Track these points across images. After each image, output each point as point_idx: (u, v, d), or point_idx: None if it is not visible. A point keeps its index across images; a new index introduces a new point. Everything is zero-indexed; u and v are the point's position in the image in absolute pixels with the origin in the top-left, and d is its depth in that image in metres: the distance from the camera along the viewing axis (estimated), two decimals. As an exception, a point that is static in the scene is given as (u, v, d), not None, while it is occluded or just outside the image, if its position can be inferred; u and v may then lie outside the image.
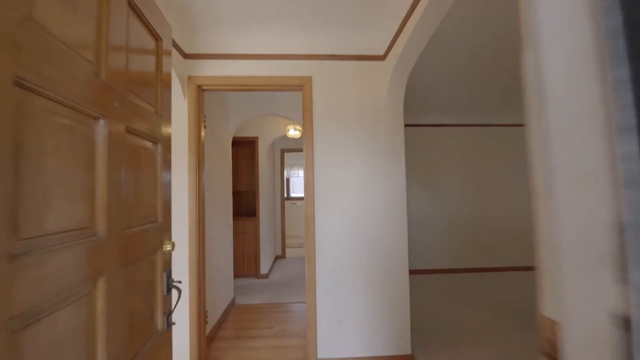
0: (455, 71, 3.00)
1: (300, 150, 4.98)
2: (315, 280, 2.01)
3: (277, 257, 5.20)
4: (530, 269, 4.21)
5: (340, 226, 2.04)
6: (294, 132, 3.69)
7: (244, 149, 4.45)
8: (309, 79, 2.08)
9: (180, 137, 2.03)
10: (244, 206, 4.64)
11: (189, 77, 2.08)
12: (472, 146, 4.43)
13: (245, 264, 4.12)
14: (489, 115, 4.42)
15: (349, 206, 2.04)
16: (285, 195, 5.38)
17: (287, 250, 5.49)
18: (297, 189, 7.25)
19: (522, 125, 4.46)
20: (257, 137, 4.15)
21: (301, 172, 7.27)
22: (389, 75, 2.01)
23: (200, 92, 2.15)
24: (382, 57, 2.10)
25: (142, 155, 0.92)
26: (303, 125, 2.09)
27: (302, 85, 2.09)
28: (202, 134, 2.16)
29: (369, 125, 2.07)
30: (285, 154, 5.66)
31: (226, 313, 2.87)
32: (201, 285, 2.07)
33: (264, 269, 4.14)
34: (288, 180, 7.16)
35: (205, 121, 2.24)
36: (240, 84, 2.11)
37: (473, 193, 4.41)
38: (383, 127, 2.08)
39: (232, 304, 3.13)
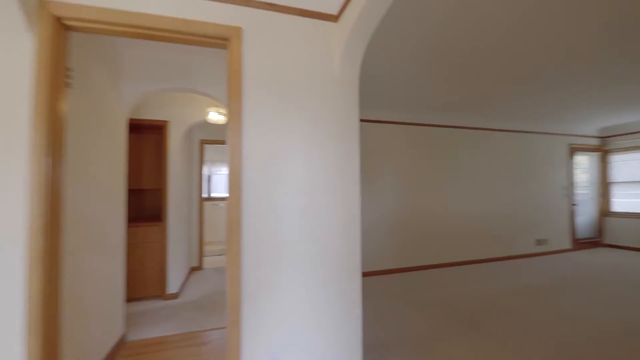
0: (403, 68, 2.78)
1: (225, 142, 4.27)
2: (240, 301, 1.44)
3: (192, 270, 4.34)
4: (467, 263, 4.36)
5: (276, 232, 1.51)
6: (216, 116, 2.97)
7: (148, 136, 3.53)
8: (238, 30, 1.50)
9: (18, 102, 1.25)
10: (148, 209, 3.69)
11: (42, 1, 1.30)
12: (415, 145, 4.38)
13: (148, 282, 3.23)
14: (435, 115, 4.44)
15: (289, 207, 1.53)
16: (204, 195, 4.55)
17: (205, 259, 4.66)
18: (220, 189, 6.37)
19: (467, 127, 4.63)
20: (166, 122, 3.30)
21: (226, 170, 6.41)
22: (344, 42, 1.58)
23: (62, 29, 1.38)
24: (334, 18, 1.66)
25: None
26: (228, 99, 1.50)
27: (227, 39, 1.50)
28: (62, 102, 1.39)
29: (316, 104, 1.60)
30: (206, 147, 4.84)
31: (110, 358, 2.05)
32: (51, 332, 1.30)
33: (173, 287, 3.30)
34: (209, 177, 6.24)
35: (70, 80, 1.46)
36: (133, 26, 1.40)
37: (415, 192, 4.35)
38: (334, 107, 1.63)
39: (122, 342, 2.29)
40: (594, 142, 5.81)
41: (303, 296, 1.54)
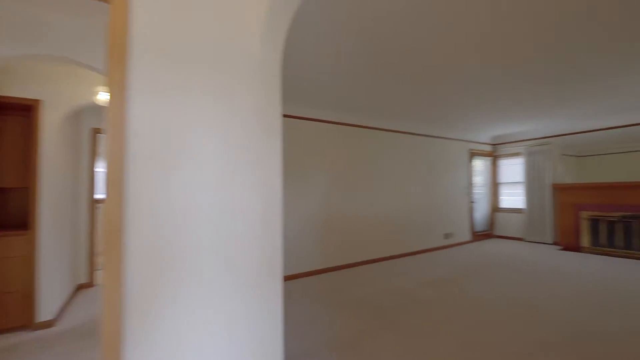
0: (330, 67, 2.69)
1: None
2: (122, 334, 1.09)
3: (79, 287, 3.53)
4: (388, 258, 4.52)
5: (177, 237, 1.20)
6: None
7: (11, 120, 2.71)
8: (123, -25, 1.14)
9: None
10: (11, 214, 2.84)
11: None
12: (342, 145, 4.36)
13: (9, 309, 2.45)
14: (360, 116, 4.49)
15: (195, 205, 1.24)
16: (98, 195, 3.76)
17: (98, 273, 3.85)
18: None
19: (388, 130, 4.80)
20: (38, 101, 2.57)
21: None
22: (265, 11, 1.36)
23: None
24: (253, -16, 1.42)
25: None
26: (109, 63, 1.13)
27: (107, -15, 1.13)
28: None
29: (233, 84, 1.34)
30: (102, 137, 4.02)
31: None
32: None
33: (46, 313, 2.58)
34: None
35: None
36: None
37: (341, 191, 4.33)
38: (254, 91, 1.39)
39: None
40: (488, 148, 6.76)
41: (215, 310, 1.26)
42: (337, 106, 4.10)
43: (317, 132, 4.19)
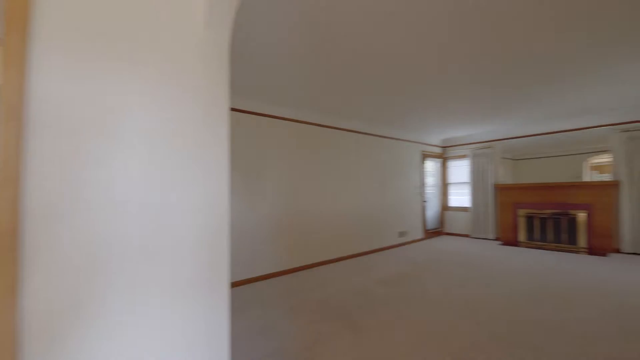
0: (290, 61, 2.57)
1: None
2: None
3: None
4: (346, 258, 4.49)
5: (96, 242, 1.00)
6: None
7: None
8: None
9: None
10: None
11: None
12: (299, 143, 4.25)
13: None
14: (319, 115, 4.40)
15: (121, 203, 1.05)
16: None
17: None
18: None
19: (345, 130, 4.77)
20: None
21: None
22: (209, -12, 1.21)
23: None
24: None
25: None
26: (5, 26, 0.90)
27: None
28: None
29: (169, 72, 1.17)
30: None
31: None
32: None
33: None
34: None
35: None
36: None
37: (299, 191, 4.21)
38: (196, 75, 1.23)
39: None
40: (438, 150, 7.14)
41: (148, 324, 1.08)
42: (294, 103, 4.00)
43: (274, 129, 4.04)
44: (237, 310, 2.83)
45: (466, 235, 6.70)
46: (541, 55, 2.74)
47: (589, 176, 7.69)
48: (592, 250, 4.93)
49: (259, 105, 3.88)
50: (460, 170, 7.05)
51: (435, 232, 6.90)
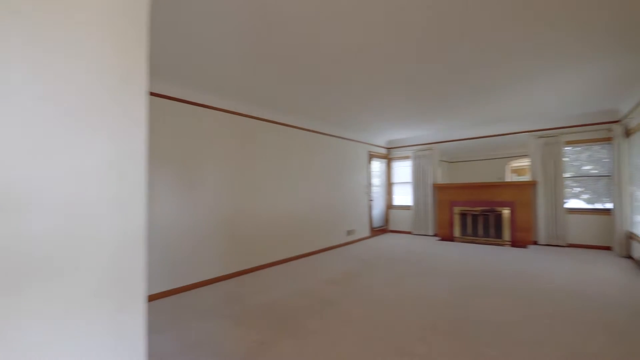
0: (233, 46, 2.34)
1: None
2: None
3: None
4: (293, 259, 4.32)
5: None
6: None
7: None
8: None
9: None
10: None
11: None
12: (243, 139, 3.97)
13: None
14: (266, 109, 4.16)
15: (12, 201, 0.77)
16: None
17: None
18: None
19: (293, 126, 4.59)
20: None
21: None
22: None
23: None
24: None
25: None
26: None
27: None
28: None
29: (68, 38, 0.91)
30: None
31: None
32: None
33: None
34: None
35: None
36: None
37: (241, 190, 3.94)
38: (106, 51, 0.99)
39: None
40: (383, 151, 7.39)
41: (36, 347, 0.81)
42: (237, 95, 3.73)
43: (214, 121, 3.73)
44: (169, 323, 2.51)
45: (409, 232, 7.03)
46: (465, 65, 2.92)
47: (509, 178, 8.68)
48: (514, 243, 5.50)
49: (199, 95, 3.54)
50: (403, 171, 7.39)
51: (381, 230, 7.12)
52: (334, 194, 5.67)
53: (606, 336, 2.15)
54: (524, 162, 8.46)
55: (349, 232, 6.01)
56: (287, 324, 2.42)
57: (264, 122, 4.36)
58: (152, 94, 3.12)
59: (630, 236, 4.26)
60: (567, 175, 5.26)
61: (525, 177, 8.61)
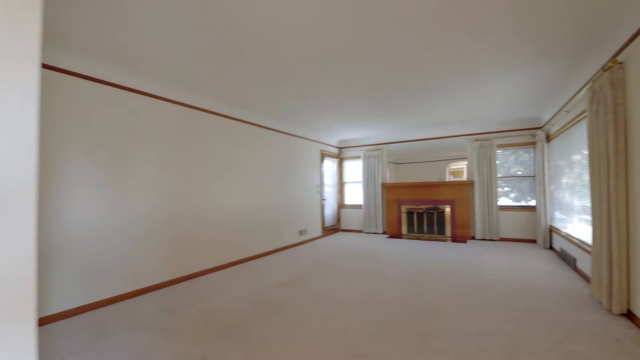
0: (177, 30, 2.03)
1: None
2: None
3: None
4: (240, 262, 4.01)
5: None
6: None
7: None
8: None
9: None
10: None
11: None
12: (185, 133, 3.58)
13: None
14: (212, 101, 3.79)
15: None
16: None
17: None
18: None
19: (242, 121, 4.28)
20: None
21: None
22: None
23: None
24: None
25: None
26: None
27: None
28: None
29: None
30: None
31: None
32: None
33: None
34: None
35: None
36: None
37: (182, 189, 3.54)
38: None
39: None
40: (335, 150, 7.42)
41: None
42: (178, 82, 3.37)
43: (152, 110, 3.32)
44: (90, 341, 2.11)
45: (360, 231, 7.14)
46: (402, 68, 3.00)
47: (448, 179, 9.36)
48: (455, 239, 5.88)
49: (130, 79, 3.10)
50: (354, 170, 7.50)
51: (333, 229, 7.12)
52: (285, 194, 5.49)
53: (542, 322, 2.32)
54: (461, 165, 9.19)
55: (301, 232, 5.88)
56: (233, 334, 2.19)
57: (210, 115, 4.03)
58: (63, 71, 2.64)
59: (551, 229, 4.80)
60: (499, 175, 5.79)
61: (462, 179, 9.37)
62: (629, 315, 2.32)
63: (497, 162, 5.79)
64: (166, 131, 3.45)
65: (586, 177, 3.30)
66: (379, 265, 4.04)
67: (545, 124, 4.90)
